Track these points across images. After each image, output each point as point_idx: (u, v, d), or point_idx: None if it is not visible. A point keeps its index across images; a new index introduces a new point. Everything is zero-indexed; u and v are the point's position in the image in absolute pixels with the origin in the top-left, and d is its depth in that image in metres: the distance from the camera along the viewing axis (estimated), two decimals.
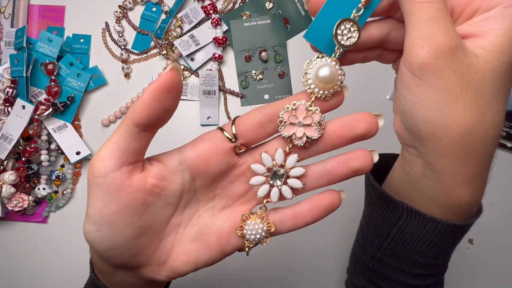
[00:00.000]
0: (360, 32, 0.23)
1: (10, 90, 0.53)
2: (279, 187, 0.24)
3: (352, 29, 0.22)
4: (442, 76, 0.21)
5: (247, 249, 0.25)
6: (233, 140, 0.24)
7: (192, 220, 0.26)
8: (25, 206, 0.56)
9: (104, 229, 0.23)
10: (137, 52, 0.60)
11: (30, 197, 0.57)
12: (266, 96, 0.59)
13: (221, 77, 0.59)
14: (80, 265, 0.59)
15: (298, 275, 0.57)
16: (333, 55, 0.23)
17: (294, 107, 0.23)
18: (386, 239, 0.31)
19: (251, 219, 0.24)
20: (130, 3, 0.59)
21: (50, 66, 0.55)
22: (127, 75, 0.59)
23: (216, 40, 0.57)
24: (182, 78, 0.23)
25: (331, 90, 0.23)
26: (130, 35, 0.60)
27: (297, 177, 0.24)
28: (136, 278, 0.26)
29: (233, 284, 0.57)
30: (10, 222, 0.59)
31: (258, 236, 0.24)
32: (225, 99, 0.59)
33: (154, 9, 0.59)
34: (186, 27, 0.58)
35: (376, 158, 0.25)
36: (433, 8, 0.21)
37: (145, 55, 0.60)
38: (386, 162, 0.33)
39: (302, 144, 0.24)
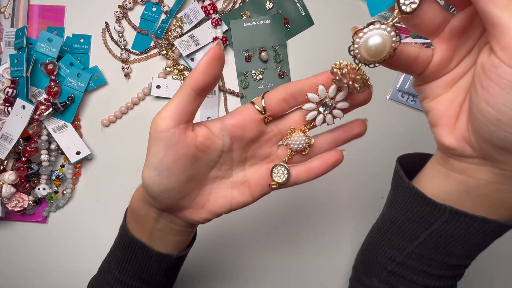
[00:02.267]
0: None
1: (10, 90, 0.53)
2: (325, 114, 0.28)
3: None
4: None
5: (273, 186, 0.31)
6: (263, 112, 0.29)
7: (227, 173, 0.32)
8: (25, 206, 0.56)
9: (164, 173, 0.29)
10: (137, 52, 0.60)
11: (30, 197, 0.57)
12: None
13: (221, 77, 0.59)
14: (80, 265, 0.59)
15: (298, 274, 0.57)
16: (391, 21, 0.22)
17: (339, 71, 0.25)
18: (413, 242, 0.31)
19: (296, 132, 0.30)
20: (130, 3, 0.59)
21: (50, 66, 0.55)
22: (127, 75, 0.59)
23: (216, 40, 0.57)
24: (223, 52, 0.28)
25: (381, 58, 0.22)
26: (130, 35, 0.60)
27: (342, 110, 0.28)
28: (176, 222, 0.33)
29: (236, 272, 0.57)
30: (10, 222, 0.59)
31: (300, 146, 0.30)
32: (225, 99, 0.59)
33: (154, 9, 0.59)
34: (186, 27, 0.59)
35: (367, 125, 0.31)
36: None
37: (145, 55, 0.60)
38: (414, 162, 0.32)
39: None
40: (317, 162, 0.31)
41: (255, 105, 0.29)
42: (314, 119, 0.29)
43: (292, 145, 0.30)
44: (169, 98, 0.59)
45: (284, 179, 0.31)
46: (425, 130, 0.60)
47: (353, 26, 0.23)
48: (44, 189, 0.56)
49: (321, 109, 0.28)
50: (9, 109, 0.54)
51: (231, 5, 0.60)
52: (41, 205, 0.59)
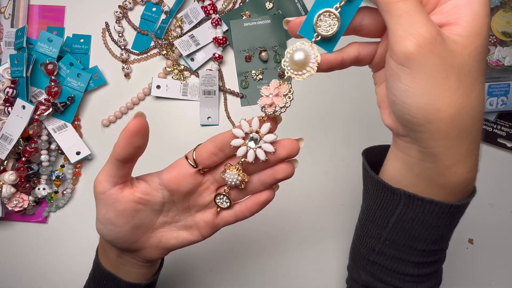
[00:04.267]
0: (340, 24, 0.25)
1: (10, 90, 0.53)
2: (255, 149, 0.29)
3: (333, 21, 0.25)
4: (428, 62, 0.23)
5: (218, 209, 0.34)
6: (195, 166, 0.32)
7: (175, 219, 0.35)
8: (25, 206, 0.56)
9: (109, 227, 0.33)
10: (137, 52, 0.60)
11: (30, 197, 0.57)
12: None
13: (221, 77, 0.59)
14: (80, 264, 0.59)
15: (298, 275, 0.57)
16: (312, 41, 0.26)
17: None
18: (385, 229, 0.32)
19: (230, 169, 0.31)
20: (130, 3, 0.59)
21: (50, 66, 0.55)
22: (127, 75, 0.59)
23: (216, 40, 0.57)
24: (146, 122, 0.30)
25: (304, 71, 0.27)
26: (130, 35, 0.60)
27: (270, 143, 0.29)
28: (137, 258, 0.36)
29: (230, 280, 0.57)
30: (10, 222, 0.59)
31: (234, 182, 0.31)
32: (225, 99, 0.59)
33: (154, 9, 0.59)
34: (186, 27, 0.58)
35: (296, 165, 0.32)
36: (407, 3, 0.23)
37: (145, 55, 0.60)
38: (381, 154, 0.34)
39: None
40: (249, 202, 0.33)
41: (188, 160, 0.32)
42: (245, 155, 0.29)
43: (227, 180, 0.31)
44: (169, 98, 0.59)
45: (227, 205, 0.33)
46: None
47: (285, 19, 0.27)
48: (44, 189, 0.56)
49: (250, 144, 0.29)
50: (9, 109, 0.54)
51: (231, 5, 0.60)
52: (41, 205, 0.59)
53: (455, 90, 0.23)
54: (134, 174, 0.34)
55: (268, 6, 0.59)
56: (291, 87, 0.28)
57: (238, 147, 0.29)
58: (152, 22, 0.60)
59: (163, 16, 0.59)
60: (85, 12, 0.60)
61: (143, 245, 0.35)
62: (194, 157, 0.32)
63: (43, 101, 0.55)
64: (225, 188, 0.33)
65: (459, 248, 0.57)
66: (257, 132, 0.29)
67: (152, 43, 0.59)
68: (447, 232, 0.32)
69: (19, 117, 0.53)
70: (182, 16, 0.58)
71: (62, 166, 0.58)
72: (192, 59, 0.59)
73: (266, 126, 0.29)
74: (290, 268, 0.57)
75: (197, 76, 0.59)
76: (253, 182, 0.32)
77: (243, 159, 0.30)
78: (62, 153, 0.57)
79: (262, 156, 0.29)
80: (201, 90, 0.58)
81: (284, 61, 0.27)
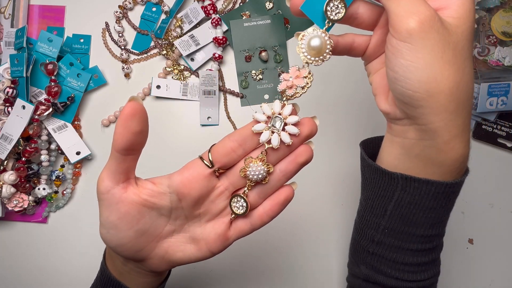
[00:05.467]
0: (347, 7, 0.27)
1: (10, 90, 0.53)
2: (279, 133, 0.28)
3: (340, 5, 0.27)
4: (429, 37, 0.25)
5: (232, 216, 0.31)
6: (211, 166, 0.30)
7: (183, 228, 0.33)
8: (25, 206, 0.56)
9: (112, 231, 0.30)
10: (137, 52, 0.60)
11: (30, 197, 0.57)
12: (266, 96, 0.59)
13: (221, 77, 0.59)
14: (80, 265, 0.59)
15: (297, 274, 0.57)
16: (324, 28, 0.28)
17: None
18: (384, 217, 0.33)
19: (253, 162, 0.28)
20: (130, 3, 0.59)
21: (50, 66, 0.55)
22: (127, 75, 0.59)
23: (216, 40, 0.57)
24: (142, 105, 0.27)
25: (321, 57, 0.28)
26: (130, 35, 0.60)
27: (293, 124, 0.28)
28: (142, 268, 0.34)
29: (230, 280, 0.57)
30: (10, 222, 0.59)
31: (260, 176, 0.28)
32: (225, 99, 0.59)
33: (154, 9, 0.59)
34: (186, 27, 0.59)
35: (313, 147, 0.31)
36: None
37: (145, 55, 0.60)
38: (378, 145, 0.35)
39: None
40: (268, 204, 0.31)
41: (203, 160, 0.30)
42: (269, 140, 0.28)
43: (251, 176, 0.28)
44: (169, 98, 0.59)
45: (243, 211, 0.29)
46: None
47: (296, 32, 0.29)
48: (44, 189, 0.56)
49: (273, 128, 0.28)
50: (9, 109, 0.54)
51: (231, 5, 0.60)
52: (41, 205, 0.59)
53: (452, 64, 0.26)
54: (141, 173, 0.32)
55: (268, 6, 0.59)
56: (310, 70, 0.28)
57: (260, 134, 0.28)
58: (152, 22, 0.60)
59: (163, 16, 0.59)
60: (85, 12, 0.60)
61: (148, 255, 0.32)
62: (210, 158, 0.29)
63: (43, 101, 0.55)
64: (245, 189, 0.30)
65: (459, 248, 0.57)
66: (279, 114, 0.28)
67: (152, 43, 0.59)
68: (444, 214, 0.33)
69: (19, 117, 0.53)
70: (182, 16, 0.58)
71: (62, 166, 0.58)
72: (192, 59, 0.59)
73: (289, 107, 0.28)
74: (290, 268, 0.57)
75: (197, 76, 0.59)
76: (275, 173, 0.30)
77: (266, 147, 0.28)
78: (62, 153, 0.57)
79: (287, 139, 0.28)
80: (201, 90, 0.58)
81: (300, 48, 0.28)
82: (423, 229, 0.32)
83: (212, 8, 0.57)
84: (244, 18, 0.59)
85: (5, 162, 0.55)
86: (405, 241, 0.33)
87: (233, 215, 0.31)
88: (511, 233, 0.57)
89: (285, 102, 0.28)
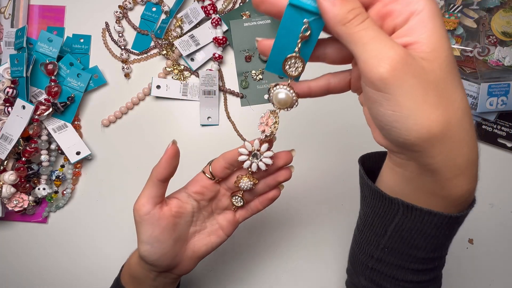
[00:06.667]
0: (304, 63, 0.28)
1: (10, 90, 0.53)
2: (257, 163, 0.36)
3: (297, 61, 0.28)
4: (405, 84, 0.23)
5: (234, 208, 0.41)
6: (213, 178, 0.39)
7: (203, 226, 0.42)
8: (25, 206, 0.56)
9: (156, 244, 0.37)
10: (137, 52, 0.60)
11: (30, 197, 0.57)
12: (266, 96, 0.59)
13: (221, 77, 0.59)
14: (79, 264, 0.59)
15: (297, 274, 0.57)
16: (287, 83, 0.30)
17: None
18: (384, 237, 0.32)
19: (243, 178, 0.38)
20: (130, 3, 0.59)
21: (50, 66, 0.55)
22: (127, 75, 0.59)
23: (216, 40, 0.57)
24: (178, 147, 0.38)
25: (289, 108, 0.32)
26: (130, 35, 0.60)
27: (268, 157, 0.36)
28: (170, 277, 0.41)
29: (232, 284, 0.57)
30: (10, 222, 0.59)
31: (248, 187, 0.38)
32: (225, 99, 0.59)
33: (154, 9, 0.59)
34: (186, 27, 0.58)
35: (293, 170, 0.39)
36: (370, 31, 0.23)
37: (145, 55, 0.60)
38: (378, 160, 0.34)
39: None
40: (260, 198, 0.41)
41: (206, 174, 0.39)
42: (250, 167, 0.36)
43: (242, 187, 0.38)
44: (169, 98, 0.59)
45: (241, 204, 0.40)
46: None
47: (270, 84, 0.32)
48: (44, 189, 0.56)
49: (253, 159, 0.36)
50: (9, 109, 0.54)
51: (231, 5, 0.60)
52: (41, 205, 0.59)
53: (437, 105, 0.23)
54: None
55: None
56: (276, 121, 0.33)
57: (244, 161, 0.36)
58: (152, 22, 0.60)
59: (163, 16, 0.59)
60: (85, 12, 0.60)
61: (181, 258, 0.40)
62: (211, 171, 0.39)
63: (43, 101, 0.55)
64: (240, 192, 0.40)
65: (459, 248, 0.57)
66: (258, 150, 0.36)
67: (152, 43, 0.59)
68: (446, 241, 0.32)
69: (19, 117, 0.53)
70: (182, 16, 0.58)
71: (62, 166, 0.58)
72: (192, 59, 0.59)
73: (265, 146, 0.35)
74: (290, 269, 0.57)
75: (197, 76, 0.59)
76: (260, 185, 0.39)
77: (249, 170, 0.37)
78: (62, 153, 0.57)
79: (263, 167, 0.36)
80: (201, 90, 0.58)
81: (270, 99, 0.32)
82: (425, 253, 0.31)
83: (212, 8, 0.57)
84: (244, 18, 0.59)
85: (5, 162, 0.55)
86: (405, 261, 0.32)
87: (234, 207, 0.41)
88: (511, 233, 0.57)
89: (262, 139, 0.35)
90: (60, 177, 0.58)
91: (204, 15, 0.58)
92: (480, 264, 0.56)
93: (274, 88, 0.31)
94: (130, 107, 0.59)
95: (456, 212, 0.29)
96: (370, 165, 0.35)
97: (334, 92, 0.31)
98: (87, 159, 0.59)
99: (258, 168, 0.36)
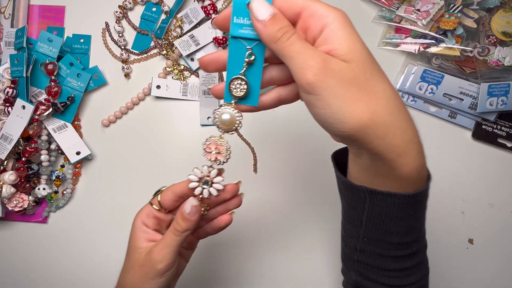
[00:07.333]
0: (248, 84, 0.31)
1: (10, 90, 0.53)
2: (208, 189, 0.36)
3: (242, 83, 0.31)
4: (328, 85, 0.27)
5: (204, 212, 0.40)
6: (162, 210, 0.39)
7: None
8: (25, 206, 0.56)
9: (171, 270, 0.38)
10: (137, 52, 0.60)
11: (30, 197, 0.57)
12: (210, 119, 0.59)
13: (221, 77, 0.59)
14: (79, 264, 0.59)
15: (297, 274, 0.57)
16: (232, 102, 0.32)
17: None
18: (361, 227, 0.35)
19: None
20: (130, 3, 0.59)
21: (50, 66, 0.55)
22: (127, 75, 0.59)
23: (216, 40, 0.57)
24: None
25: (233, 131, 0.33)
26: (130, 35, 0.60)
27: (219, 183, 0.36)
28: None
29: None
30: (10, 222, 0.59)
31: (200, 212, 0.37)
32: None
33: (154, 9, 0.59)
34: (186, 27, 0.58)
35: (243, 197, 0.40)
36: (295, 46, 0.27)
37: (145, 55, 0.60)
38: (347, 155, 0.36)
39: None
40: (209, 226, 0.41)
41: (154, 206, 0.39)
42: (201, 193, 0.37)
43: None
44: (169, 98, 0.59)
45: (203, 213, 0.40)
46: (425, 129, 0.60)
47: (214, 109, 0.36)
48: (44, 189, 0.56)
49: (203, 186, 0.36)
50: (9, 109, 0.54)
51: (231, 5, 0.60)
52: (41, 205, 0.59)
53: (360, 98, 0.27)
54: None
55: None
56: (229, 147, 0.35)
57: (195, 188, 0.36)
58: (152, 22, 0.60)
59: (163, 16, 0.59)
60: (85, 12, 0.60)
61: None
62: (159, 201, 0.39)
63: (43, 101, 0.55)
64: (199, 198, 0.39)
65: (459, 248, 0.57)
66: (208, 176, 0.36)
67: (152, 43, 0.59)
68: (415, 222, 0.34)
69: (19, 117, 0.53)
70: (182, 16, 0.58)
71: (62, 166, 0.58)
72: (192, 59, 0.59)
73: (214, 172, 0.36)
74: (289, 269, 0.57)
75: (197, 76, 0.59)
76: (211, 212, 0.40)
77: (200, 196, 0.37)
78: (62, 153, 0.57)
79: (214, 193, 0.36)
80: (201, 90, 0.58)
81: (214, 122, 0.34)
82: (398, 237, 0.33)
83: (212, 8, 0.57)
84: None
85: (5, 162, 0.55)
86: (384, 249, 0.34)
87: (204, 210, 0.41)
88: (511, 233, 0.57)
89: (212, 167, 0.36)
90: (60, 177, 0.58)
91: (204, 15, 0.58)
92: (480, 264, 0.56)
93: (219, 109, 0.33)
94: (130, 107, 0.59)
95: (415, 189, 0.31)
96: (344, 160, 0.37)
97: (285, 103, 0.33)
98: (87, 159, 0.59)
99: (210, 194, 0.36)
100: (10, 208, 0.56)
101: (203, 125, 0.59)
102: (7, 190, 0.54)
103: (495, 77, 0.55)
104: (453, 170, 0.57)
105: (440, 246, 0.56)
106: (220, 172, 0.37)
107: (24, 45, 0.54)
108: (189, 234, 0.36)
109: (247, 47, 0.30)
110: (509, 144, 0.57)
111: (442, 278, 0.57)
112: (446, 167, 0.57)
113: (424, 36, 0.55)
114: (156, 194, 0.39)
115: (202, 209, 0.38)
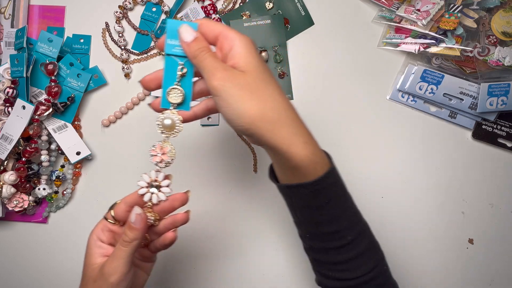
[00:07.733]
0: (184, 92, 0.37)
1: (10, 91, 0.53)
2: (157, 193, 0.38)
3: (179, 91, 0.37)
4: (227, 87, 0.34)
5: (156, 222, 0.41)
6: (117, 223, 0.41)
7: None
8: (25, 206, 0.56)
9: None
10: (137, 52, 0.60)
11: (30, 197, 0.57)
12: (156, 127, 0.59)
13: None
14: (80, 264, 0.59)
15: (297, 275, 0.57)
16: (172, 108, 0.38)
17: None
18: (301, 224, 0.40)
19: (146, 212, 0.38)
20: (130, 3, 0.59)
21: (50, 67, 0.55)
22: (127, 75, 0.59)
23: None
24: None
25: (176, 132, 0.38)
26: (130, 35, 0.60)
27: (166, 186, 0.38)
28: None
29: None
30: (10, 222, 0.59)
31: (150, 221, 0.39)
32: None
33: (154, 9, 0.59)
34: None
35: (190, 214, 0.41)
36: (207, 61, 0.35)
37: (145, 55, 0.60)
38: None
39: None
40: (157, 241, 0.42)
41: (108, 220, 0.41)
42: (150, 199, 0.38)
43: (148, 220, 0.39)
44: None
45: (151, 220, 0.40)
46: (426, 129, 0.60)
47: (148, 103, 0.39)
48: (44, 189, 0.56)
49: (152, 190, 0.38)
50: (9, 109, 0.54)
51: (231, 5, 0.60)
52: (41, 205, 0.59)
53: (252, 99, 0.34)
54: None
55: (268, 6, 0.59)
56: (172, 148, 0.38)
57: (144, 194, 0.38)
58: (152, 22, 0.60)
59: (163, 16, 0.59)
60: (85, 12, 0.60)
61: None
62: (113, 215, 0.41)
63: (43, 101, 0.55)
64: (147, 204, 0.40)
65: (459, 248, 0.57)
66: (155, 180, 0.38)
67: (152, 43, 0.59)
68: (335, 210, 0.37)
69: (19, 117, 0.53)
70: (182, 16, 0.58)
71: (62, 166, 0.58)
72: None
73: (161, 175, 0.38)
74: (289, 269, 0.57)
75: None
76: (159, 227, 0.41)
77: (150, 203, 0.38)
78: (62, 153, 0.57)
79: (163, 197, 0.38)
80: None
81: (158, 127, 0.38)
82: (326, 227, 0.37)
83: (212, 8, 0.57)
84: (244, 18, 0.59)
85: (5, 162, 0.55)
86: (323, 241, 0.38)
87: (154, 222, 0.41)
88: (511, 233, 0.57)
89: (159, 170, 0.38)
90: (60, 177, 0.58)
91: (204, 15, 0.58)
92: (480, 264, 0.56)
93: (162, 115, 0.38)
94: (130, 107, 0.59)
95: (313, 179, 0.35)
96: None
97: (213, 112, 0.40)
98: (87, 159, 0.59)
99: (159, 198, 0.38)
100: (10, 208, 0.56)
101: (203, 125, 0.59)
102: (7, 190, 0.54)
103: (495, 77, 0.55)
104: (453, 170, 0.57)
105: (440, 246, 0.57)
106: (167, 177, 0.39)
107: (24, 45, 0.54)
108: (138, 243, 0.38)
109: (179, 62, 0.37)
110: (509, 144, 0.57)
111: (442, 278, 0.57)
112: (446, 167, 0.57)
113: (424, 36, 0.55)
114: (110, 208, 0.41)
115: (152, 218, 0.39)
